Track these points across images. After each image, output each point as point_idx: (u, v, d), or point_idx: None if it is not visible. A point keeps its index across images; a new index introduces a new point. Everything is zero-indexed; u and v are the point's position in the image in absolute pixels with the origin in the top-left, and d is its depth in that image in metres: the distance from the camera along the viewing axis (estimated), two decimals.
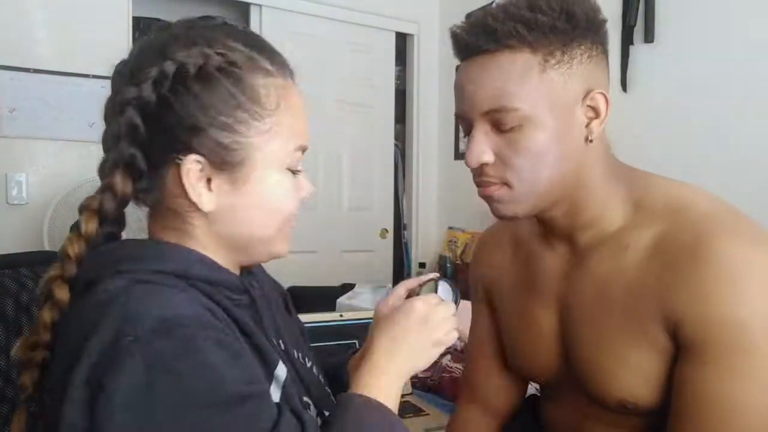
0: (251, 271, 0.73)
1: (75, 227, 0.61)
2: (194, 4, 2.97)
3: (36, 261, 1.25)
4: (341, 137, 2.99)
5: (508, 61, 0.70)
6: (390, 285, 2.34)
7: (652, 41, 1.94)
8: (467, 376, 1.04)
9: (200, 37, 0.61)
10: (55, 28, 2.22)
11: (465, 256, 2.79)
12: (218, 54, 0.60)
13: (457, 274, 2.76)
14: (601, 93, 0.73)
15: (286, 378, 0.64)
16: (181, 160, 0.59)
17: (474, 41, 0.72)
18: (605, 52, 0.75)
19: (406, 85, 3.23)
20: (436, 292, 0.76)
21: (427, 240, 3.22)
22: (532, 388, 1.03)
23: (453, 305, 0.75)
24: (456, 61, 0.77)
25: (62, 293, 0.59)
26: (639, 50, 1.99)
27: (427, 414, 1.42)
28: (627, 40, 2.00)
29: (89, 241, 0.60)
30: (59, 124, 2.21)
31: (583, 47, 0.71)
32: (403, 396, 0.72)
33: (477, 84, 0.72)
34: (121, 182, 0.60)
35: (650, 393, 0.72)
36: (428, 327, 0.70)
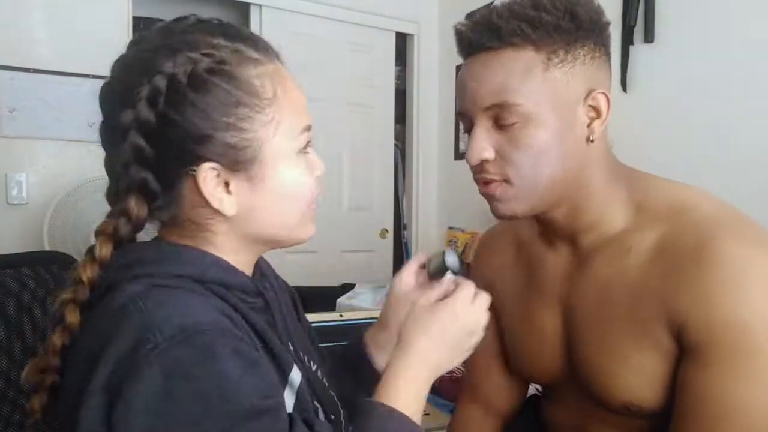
0: (263, 273, 0.73)
1: (89, 252, 0.60)
2: (194, 4, 2.99)
3: (37, 261, 1.25)
4: (341, 137, 2.99)
5: (512, 59, 0.70)
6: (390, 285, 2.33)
7: (652, 41, 1.94)
8: (468, 376, 1.03)
9: (181, 43, 0.59)
10: (55, 28, 2.22)
11: (465, 256, 2.79)
12: (204, 55, 0.58)
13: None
14: (603, 93, 0.73)
15: (300, 383, 0.64)
16: (195, 171, 0.59)
17: (478, 38, 0.72)
18: (608, 54, 0.75)
19: (406, 85, 3.23)
20: (444, 262, 0.77)
21: (427, 240, 3.21)
22: (533, 389, 1.03)
23: (484, 294, 0.73)
24: (456, 61, 0.77)
25: (73, 317, 0.59)
26: (639, 50, 1.99)
27: (427, 414, 1.42)
28: (627, 40, 1.99)
29: (103, 265, 0.60)
30: (59, 124, 2.21)
31: (586, 48, 0.71)
32: None
33: (480, 81, 0.72)
34: (137, 207, 0.59)
35: (654, 395, 0.72)
36: (466, 330, 0.69)
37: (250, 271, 0.68)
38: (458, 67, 0.77)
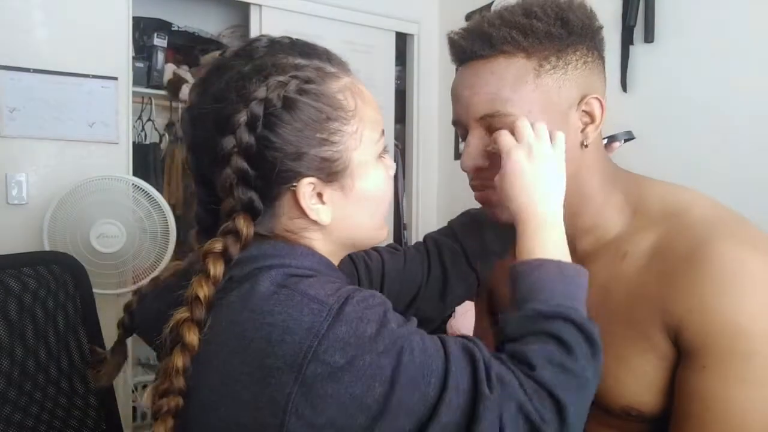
0: None
1: (201, 271, 0.61)
2: (194, 4, 2.93)
3: (38, 261, 1.25)
4: None
5: (503, 67, 0.70)
6: None
7: (652, 41, 1.94)
8: None
9: (269, 67, 0.62)
10: (55, 28, 2.21)
11: None
12: (292, 78, 0.62)
13: None
14: (596, 98, 0.73)
15: None
16: (295, 186, 0.62)
17: (470, 47, 0.72)
18: (601, 58, 0.76)
19: (406, 86, 3.23)
20: None
21: None
22: None
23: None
24: None
25: (193, 337, 0.59)
26: (639, 50, 1.99)
27: None
28: (627, 40, 2.00)
29: (217, 283, 0.61)
30: (59, 124, 2.20)
31: (578, 53, 0.71)
32: None
33: (472, 89, 0.72)
34: (245, 226, 0.61)
35: (654, 399, 0.72)
36: (540, 170, 0.69)
37: None
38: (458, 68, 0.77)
